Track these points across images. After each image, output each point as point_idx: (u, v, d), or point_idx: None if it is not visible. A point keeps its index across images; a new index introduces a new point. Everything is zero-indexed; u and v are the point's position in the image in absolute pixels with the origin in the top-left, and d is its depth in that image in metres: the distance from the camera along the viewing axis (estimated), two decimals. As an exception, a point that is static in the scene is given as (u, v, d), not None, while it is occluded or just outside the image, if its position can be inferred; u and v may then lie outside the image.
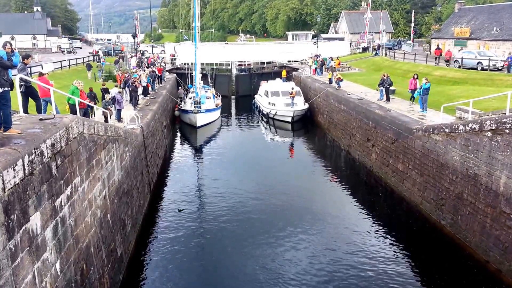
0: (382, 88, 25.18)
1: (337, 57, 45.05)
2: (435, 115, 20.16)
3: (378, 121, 22.11)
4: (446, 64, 35.26)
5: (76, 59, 44.15)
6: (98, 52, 51.96)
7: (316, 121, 34.73)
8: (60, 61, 37.95)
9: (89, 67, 37.07)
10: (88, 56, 47.20)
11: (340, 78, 31.82)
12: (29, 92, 11.09)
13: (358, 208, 18.34)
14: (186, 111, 33.80)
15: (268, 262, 13.69)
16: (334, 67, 38.73)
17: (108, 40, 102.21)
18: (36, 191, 7.01)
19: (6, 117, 7.75)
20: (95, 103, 18.39)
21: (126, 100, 23.77)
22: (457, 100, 20.54)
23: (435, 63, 36.70)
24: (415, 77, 23.47)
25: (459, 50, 37.62)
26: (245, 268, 13.53)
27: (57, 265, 7.75)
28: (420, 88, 20.96)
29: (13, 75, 8.77)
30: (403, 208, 18.20)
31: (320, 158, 26.64)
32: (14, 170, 6.26)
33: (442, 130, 15.87)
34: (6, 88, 7.92)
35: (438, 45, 45.48)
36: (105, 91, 21.37)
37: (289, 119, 33.69)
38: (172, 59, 50.89)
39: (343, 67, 43.61)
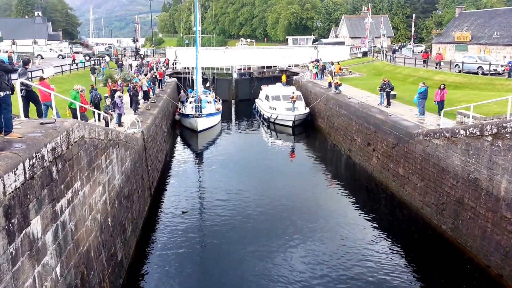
0: (382, 92, 25.22)
1: (338, 62, 45.15)
2: (435, 120, 20.19)
3: (378, 125, 22.11)
4: (436, 67, 35.97)
5: (77, 63, 44.26)
6: (75, 58, 51.74)
7: (316, 126, 34.73)
8: (61, 65, 38.04)
9: (93, 70, 37.20)
10: (90, 61, 47.28)
11: (338, 83, 31.77)
12: (30, 96, 11.10)
13: (359, 213, 18.30)
14: (186, 116, 33.75)
15: (269, 267, 13.65)
16: (334, 72, 38.80)
17: (108, 44, 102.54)
18: (36, 195, 7.01)
19: (7, 121, 7.75)
20: (100, 98, 18.28)
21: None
22: (457, 105, 20.55)
23: (423, 65, 37.91)
24: (442, 87, 20.74)
25: (437, 52, 39.06)
26: (246, 272, 13.49)
27: (58, 269, 7.74)
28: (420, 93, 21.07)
29: (13, 79, 8.77)
30: (403, 213, 18.18)
31: (321, 163, 26.62)
32: (15, 174, 6.27)
33: (443, 134, 15.87)
34: (8, 92, 7.93)
35: (425, 49, 47.18)
36: (114, 92, 21.57)
37: (290, 124, 33.63)
38: (170, 64, 50.75)
39: (344, 71, 43.68)
